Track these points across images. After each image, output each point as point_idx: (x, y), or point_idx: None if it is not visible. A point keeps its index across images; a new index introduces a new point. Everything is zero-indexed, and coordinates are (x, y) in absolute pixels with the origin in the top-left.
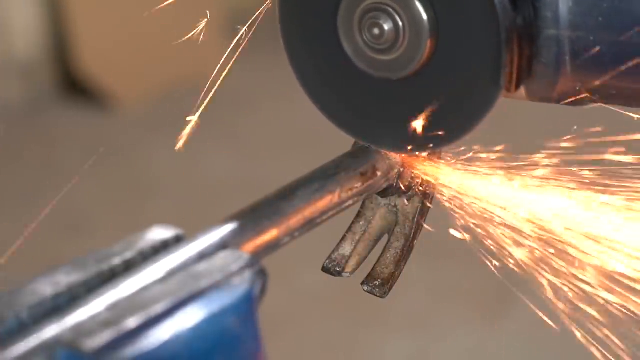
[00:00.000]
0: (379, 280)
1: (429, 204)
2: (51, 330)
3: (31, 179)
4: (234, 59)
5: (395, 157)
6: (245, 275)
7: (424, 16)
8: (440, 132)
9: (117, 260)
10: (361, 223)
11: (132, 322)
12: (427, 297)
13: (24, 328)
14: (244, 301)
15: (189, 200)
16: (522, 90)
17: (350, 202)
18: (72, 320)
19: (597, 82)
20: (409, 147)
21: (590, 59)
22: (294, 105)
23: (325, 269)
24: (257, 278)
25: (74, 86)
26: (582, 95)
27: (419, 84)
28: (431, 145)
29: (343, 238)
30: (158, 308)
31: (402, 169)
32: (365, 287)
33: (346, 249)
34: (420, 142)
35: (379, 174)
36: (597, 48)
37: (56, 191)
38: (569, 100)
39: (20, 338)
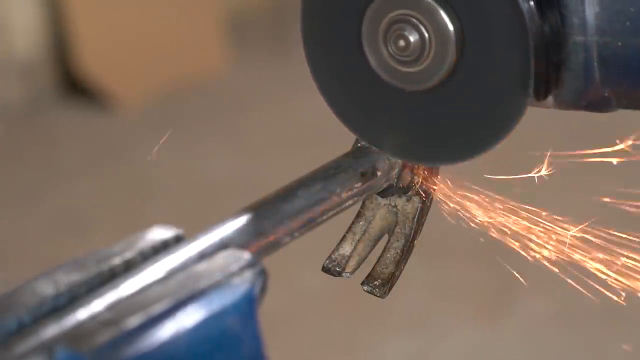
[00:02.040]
0: (379, 280)
1: (429, 204)
2: (51, 330)
3: (31, 179)
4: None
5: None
6: (246, 275)
7: (450, 27)
8: (469, 144)
9: (117, 260)
10: (361, 223)
11: (132, 322)
12: (427, 297)
13: (23, 328)
14: (245, 301)
15: (189, 200)
16: (550, 98)
17: (350, 202)
18: (72, 320)
19: (625, 88)
20: (436, 161)
21: (618, 64)
22: (295, 105)
23: (325, 269)
24: (258, 278)
25: (74, 86)
26: (611, 101)
27: (445, 95)
28: (459, 157)
29: (343, 238)
30: (158, 308)
31: (402, 169)
32: (365, 287)
33: (346, 249)
34: (448, 155)
35: (379, 174)
36: (625, 53)
37: (56, 191)
38: (598, 106)
39: (20, 338)
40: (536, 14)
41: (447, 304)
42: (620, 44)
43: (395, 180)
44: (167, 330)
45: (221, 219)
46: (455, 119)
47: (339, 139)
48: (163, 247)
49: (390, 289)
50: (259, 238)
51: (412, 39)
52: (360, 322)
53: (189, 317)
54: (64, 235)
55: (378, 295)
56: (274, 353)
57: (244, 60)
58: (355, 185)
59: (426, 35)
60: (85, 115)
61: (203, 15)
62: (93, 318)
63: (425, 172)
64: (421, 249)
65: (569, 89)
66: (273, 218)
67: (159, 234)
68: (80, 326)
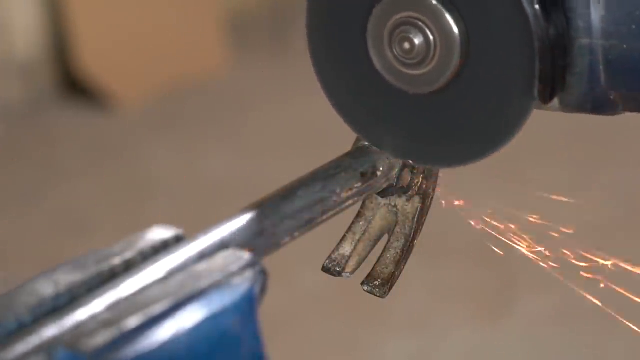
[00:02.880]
0: (379, 280)
1: (429, 204)
2: (51, 330)
3: (31, 179)
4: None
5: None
6: (246, 275)
7: (455, 30)
8: (474, 147)
9: (117, 260)
10: (361, 223)
11: (132, 322)
12: (427, 297)
13: (23, 328)
14: (245, 301)
15: (189, 200)
16: (555, 102)
17: (350, 202)
18: (72, 320)
19: (631, 91)
20: (440, 163)
21: (624, 67)
22: (295, 105)
23: (325, 269)
24: (258, 278)
25: (74, 86)
26: (617, 104)
27: (450, 97)
28: (463, 160)
29: (343, 238)
30: (158, 308)
31: (402, 169)
32: (365, 287)
33: (346, 249)
34: (452, 158)
35: (379, 174)
36: (631, 56)
37: (56, 191)
38: (604, 109)
39: (20, 338)
40: (541, 17)
41: (447, 304)
42: (625, 47)
43: (395, 180)
44: (167, 330)
45: (221, 219)
46: (460, 122)
47: (339, 139)
48: (163, 247)
49: (390, 289)
50: (259, 238)
51: (417, 41)
52: (360, 322)
53: (189, 318)
54: (64, 235)
55: (378, 295)
56: (274, 353)
57: (244, 60)
58: (355, 185)
59: (431, 38)
60: (85, 115)
61: (203, 15)
62: (93, 318)
63: (425, 173)
64: (421, 249)
65: (574, 92)
66: (273, 218)
67: (159, 234)
68: (80, 326)
